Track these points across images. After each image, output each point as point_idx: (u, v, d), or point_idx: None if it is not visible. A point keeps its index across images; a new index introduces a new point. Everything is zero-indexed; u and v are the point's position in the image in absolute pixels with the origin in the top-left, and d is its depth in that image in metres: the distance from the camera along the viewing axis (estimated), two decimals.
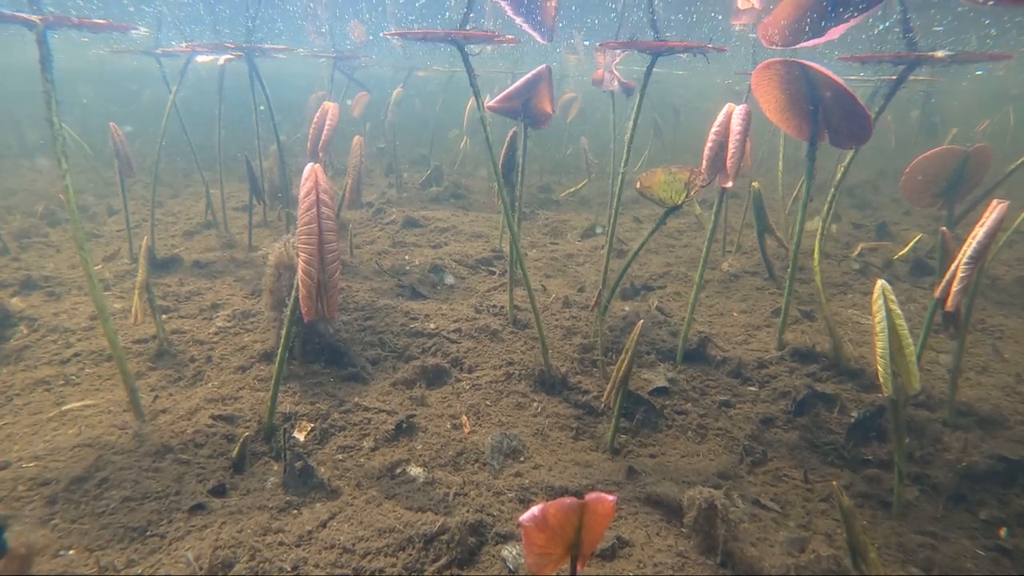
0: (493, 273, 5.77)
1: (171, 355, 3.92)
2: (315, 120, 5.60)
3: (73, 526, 2.41)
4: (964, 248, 2.79)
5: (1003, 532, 2.59)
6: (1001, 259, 6.64)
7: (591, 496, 1.49)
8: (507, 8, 3.54)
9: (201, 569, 2.17)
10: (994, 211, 2.75)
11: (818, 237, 3.94)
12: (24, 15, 3.10)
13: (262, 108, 5.69)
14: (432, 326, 4.33)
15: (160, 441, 2.95)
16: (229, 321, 4.42)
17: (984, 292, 5.61)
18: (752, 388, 3.74)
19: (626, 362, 2.82)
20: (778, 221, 7.14)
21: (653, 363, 3.94)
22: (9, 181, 9.75)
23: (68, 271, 5.55)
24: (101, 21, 3.99)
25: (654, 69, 3.75)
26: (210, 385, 3.57)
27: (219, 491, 2.65)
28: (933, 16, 9.10)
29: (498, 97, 4.17)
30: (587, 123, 14.82)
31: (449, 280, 4.38)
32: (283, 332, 2.87)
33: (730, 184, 3.56)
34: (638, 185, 3.19)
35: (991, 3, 6.51)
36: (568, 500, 1.47)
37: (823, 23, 3.50)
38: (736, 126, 3.48)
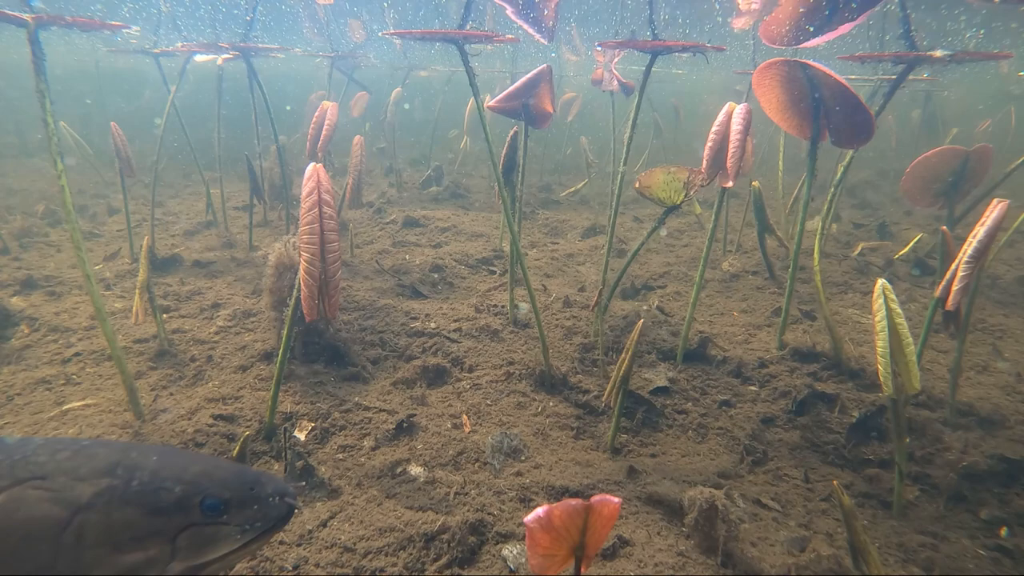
0: (494, 272, 5.77)
1: (172, 354, 3.92)
2: (314, 120, 5.60)
3: None
4: (965, 247, 2.79)
5: (1003, 532, 2.60)
6: (1001, 259, 6.64)
7: (596, 498, 1.49)
8: (509, 10, 3.54)
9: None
10: (994, 210, 2.75)
11: (818, 236, 3.94)
12: (15, 13, 3.09)
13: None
14: (433, 325, 4.33)
15: (160, 440, 2.95)
16: (230, 320, 4.42)
17: (984, 291, 5.61)
18: (752, 388, 3.74)
19: (626, 362, 2.82)
20: (778, 221, 7.15)
21: (653, 363, 3.94)
22: (9, 181, 9.75)
23: (69, 271, 5.55)
24: (95, 21, 3.99)
25: (652, 68, 3.75)
26: (211, 384, 3.57)
27: None
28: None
29: (499, 97, 4.18)
30: (587, 123, 14.83)
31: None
32: (284, 331, 2.87)
33: (730, 184, 3.56)
34: (637, 184, 3.19)
35: (998, 0, 6.51)
36: (573, 502, 1.47)
37: (824, 22, 3.50)
38: (736, 125, 3.48)
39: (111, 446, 1.55)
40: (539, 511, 1.45)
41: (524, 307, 4.51)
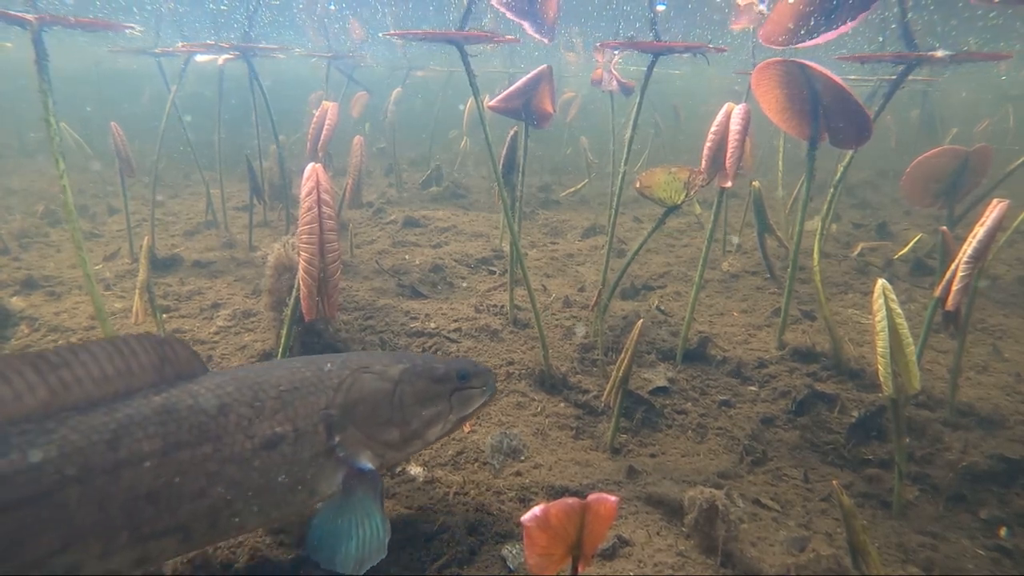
0: (493, 272, 5.77)
1: None
2: (315, 120, 5.60)
3: None
4: (964, 247, 2.79)
5: (1003, 532, 2.60)
6: (1001, 259, 6.64)
7: (593, 496, 1.49)
8: (508, 12, 3.54)
9: (204, 569, 2.17)
10: (994, 210, 2.75)
11: (818, 236, 3.94)
12: (19, 14, 3.09)
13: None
14: (432, 325, 4.33)
15: None
16: (229, 320, 4.42)
17: (984, 292, 5.61)
18: (752, 388, 3.74)
19: (626, 362, 2.82)
20: (778, 221, 7.14)
21: (653, 363, 3.94)
22: (9, 181, 9.75)
23: (68, 271, 5.56)
24: (98, 20, 3.99)
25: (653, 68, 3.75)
26: None
27: None
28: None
29: (499, 97, 4.18)
30: (587, 122, 14.82)
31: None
32: (283, 331, 2.87)
33: (729, 184, 3.56)
34: (637, 184, 3.19)
35: (997, 0, 6.51)
36: (570, 500, 1.47)
37: (823, 23, 3.50)
38: (735, 125, 3.48)
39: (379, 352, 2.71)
40: (536, 510, 1.45)
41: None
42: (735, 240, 5.48)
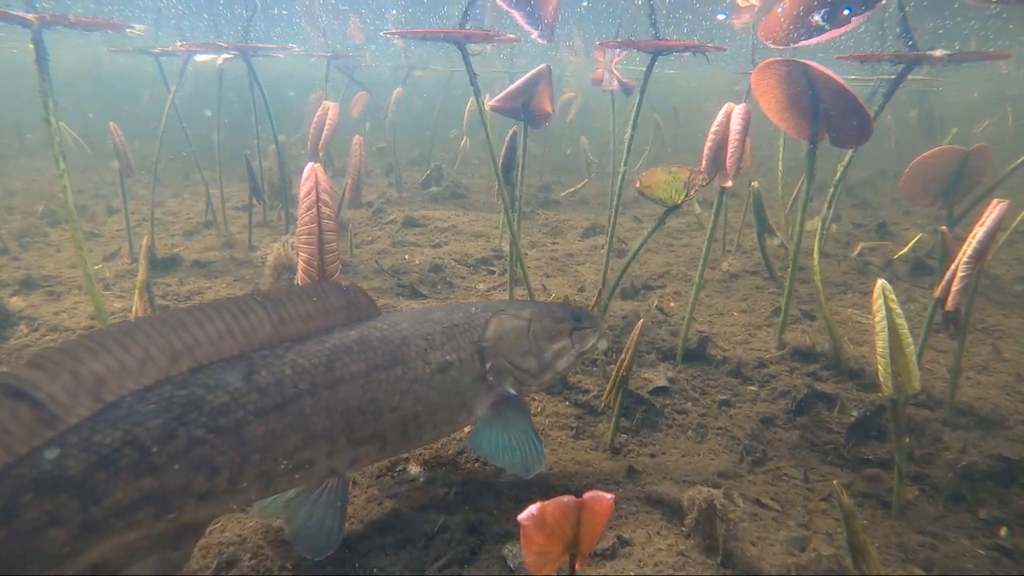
0: (493, 272, 5.77)
1: None
2: (315, 119, 5.60)
3: None
4: (964, 248, 2.79)
5: (1003, 532, 2.59)
6: (1001, 259, 6.63)
7: (589, 495, 1.49)
8: (510, 11, 3.54)
9: (207, 568, 2.17)
10: (994, 211, 2.75)
11: (818, 236, 3.94)
12: (20, 14, 3.09)
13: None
14: None
15: None
16: None
17: (984, 292, 5.61)
18: (752, 387, 3.74)
19: (626, 361, 2.82)
20: (778, 221, 7.14)
21: (653, 362, 3.94)
22: (9, 181, 9.76)
23: (68, 270, 5.56)
24: (99, 20, 4.00)
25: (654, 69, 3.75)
26: None
27: None
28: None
29: (498, 96, 4.18)
30: (588, 122, 14.82)
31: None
32: None
33: (730, 184, 3.57)
34: (638, 184, 3.19)
35: (994, 2, 6.52)
36: (566, 499, 1.47)
37: (824, 22, 3.50)
38: (735, 125, 3.48)
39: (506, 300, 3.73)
40: (532, 509, 1.45)
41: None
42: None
